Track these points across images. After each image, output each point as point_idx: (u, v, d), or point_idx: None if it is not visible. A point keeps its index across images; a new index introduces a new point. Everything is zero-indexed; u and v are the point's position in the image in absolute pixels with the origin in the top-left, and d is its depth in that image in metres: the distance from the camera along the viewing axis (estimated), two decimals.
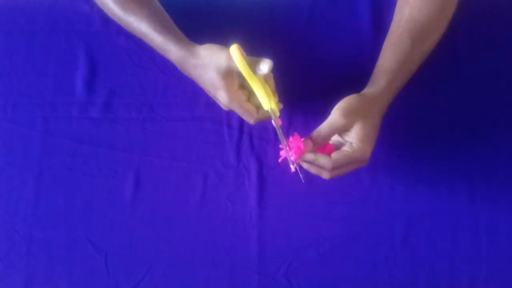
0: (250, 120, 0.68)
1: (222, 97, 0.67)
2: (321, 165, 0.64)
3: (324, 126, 0.63)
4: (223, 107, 0.69)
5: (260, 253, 0.74)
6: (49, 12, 0.82)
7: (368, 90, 0.68)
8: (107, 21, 0.79)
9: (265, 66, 0.64)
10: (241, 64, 0.64)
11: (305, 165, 0.66)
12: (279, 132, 0.67)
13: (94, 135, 0.78)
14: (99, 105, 0.79)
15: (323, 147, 0.66)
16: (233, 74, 0.67)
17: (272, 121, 0.68)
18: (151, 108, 0.79)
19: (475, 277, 0.73)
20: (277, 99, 0.69)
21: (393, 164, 0.75)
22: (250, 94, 0.69)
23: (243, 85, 0.69)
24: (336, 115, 0.63)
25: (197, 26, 0.75)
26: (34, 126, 0.78)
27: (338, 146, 0.66)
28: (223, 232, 0.75)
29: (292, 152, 0.64)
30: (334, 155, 0.63)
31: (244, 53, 0.66)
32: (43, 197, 0.76)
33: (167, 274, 0.74)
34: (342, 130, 0.64)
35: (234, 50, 0.64)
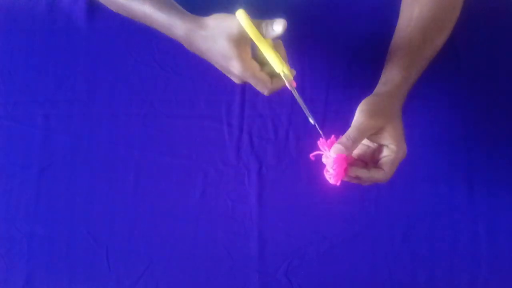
0: (265, 90, 0.66)
1: (235, 67, 0.64)
2: (376, 180, 0.62)
3: (353, 130, 0.60)
4: (236, 80, 0.67)
5: (260, 252, 0.74)
6: (49, 9, 0.81)
7: (384, 88, 0.66)
8: (107, 19, 0.78)
9: (279, 26, 0.61)
10: (249, 28, 0.61)
11: (354, 181, 0.63)
12: (296, 95, 0.65)
13: (95, 132, 0.78)
14: (99, 102, 0.79)
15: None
16: (246, 42, 0.64)
17: (287, 85, 0.65)
18: (152, 105, 0.78)
19: (475, 277, 0.73)
20: (288, 66, 0.66)
21: None
22: (261, 64, 0.66)
23: (254, 56, 0.66)
24: (362, 117, 0.61)
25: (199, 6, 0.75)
26: (35, 123, 0.78)
27: (367, 151, 0.65)
28: (223, 230, 0.75)
29: (334, 172, 0.60)
30: (386, 167, 0.62)
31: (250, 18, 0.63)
32: (44, 194, 0.77)
33: (167, 271, 0.74)
34: (371, 132, 0.61)
35: (241, 15, 0.61)
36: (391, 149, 0.62)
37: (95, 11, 0.80)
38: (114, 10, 0.74)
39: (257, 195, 0.75)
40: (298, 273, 0.73)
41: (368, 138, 0.63)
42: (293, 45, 0.69)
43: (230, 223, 0.75)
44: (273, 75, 0.66)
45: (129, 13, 0.71)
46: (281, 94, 0.72)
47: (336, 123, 0.62)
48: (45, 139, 0.78)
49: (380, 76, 0.69)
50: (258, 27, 0.62)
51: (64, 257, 0.75)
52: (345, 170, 0.60)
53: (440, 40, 0.70)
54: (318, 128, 0.63)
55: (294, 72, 0.66)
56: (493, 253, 0.73)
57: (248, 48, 0.65)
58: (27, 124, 0.78)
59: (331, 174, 0.60)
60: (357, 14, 0.80)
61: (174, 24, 0.66)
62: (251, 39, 0.62)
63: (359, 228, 0.74)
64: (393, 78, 0.67)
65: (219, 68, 0.67)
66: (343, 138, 0.60)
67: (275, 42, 0.65)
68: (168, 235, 0.75)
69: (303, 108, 0.65)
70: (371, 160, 0.65)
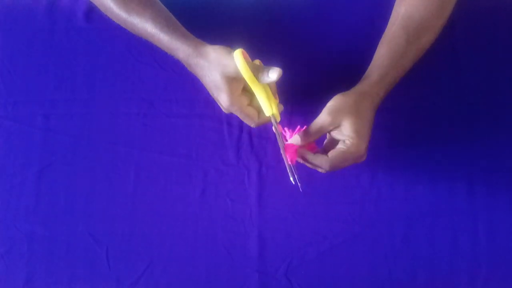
0: (251, 124, 0.69)
1: (223, 101, 0.67)
2: (319, 165, 0.65)
3: (311, 125, 0.65)
4: (224, 110, 0.69)
5: (260, 252, 0.74)
6: (49, 9, 0.81)
7: (359, 85, 0.68)
8: (107, 19, 0.78)
9: (274, 74, 0.64)
10: (244, 70, 0.63)
11: (300, 160, 0.67)
12: (279, 138, 0.68)
13: (95, 131, 0.78)
14: (100, 102, 0.79)
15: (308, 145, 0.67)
16: (238, 81, 0.66)
17: (273, 127, 0.68)
18: (152, 104, 0.78)
19: (475, 277, 0.73)
20: (277, 100, 0.69)
21: (393, 164, 0.75)
22: (252, 97, 0.69)
23: (245, 88, 0.69)
24: (323, 114, 0.65)
25: (200, 25, 0.75)
26: (35, 123, 0.78)
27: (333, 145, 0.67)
28: (223, 230, 0.75)
29: (288, 155, 0.66)
30: (331, 153, 0.64)
31: (248, 57, 0.65)
32: (44, 193, 0.77)
33: (167, 270, 0.74)
34: (329, 128, 0.65)
35: (238, 56, 0.63)
36: (344, 143, 0.64)
37: (95, 11, 0.80)
38: (116, 22, 0.74)
39: (257, 195, 0.75)
40: (298, 273, 0.73)
41: (329, 134, 0.67)
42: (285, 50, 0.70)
43: (230, 223, 0.75)
44: (261, 109, 0.69)
45: (130, 28, 0.72)
46: (281, 94, 0.72)
47: None
48: (45, 139, 0.78)
49: None
50: (254, 71, 0.64)
51: (64, 257, 0.75)
52: (296, 151, 0.66)
53: (425, 39, 0.70)
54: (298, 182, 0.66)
55: (282, 108, 0.70)
56: (493, 253, 0.73)
57: (240, 85, 0.67)
58: (27, 124, 0.78)
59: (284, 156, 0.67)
60: (351, 19, 0.81)
61: (176, 47, 0.69)
62: (244, 79, 0.65)
63: (359, 228, 0.74)
64: (369, 75, 0.68)
65: (211, 95, 0.70)
66: (301, 131, 0.66)
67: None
68: (168, 235, 0.75)
69: (282, 155, 0.67)
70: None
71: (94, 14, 0.80)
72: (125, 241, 0.75)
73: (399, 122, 0.76)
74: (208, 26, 0.78)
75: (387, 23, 0.73)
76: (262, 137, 0.77)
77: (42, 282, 0.74)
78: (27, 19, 0.81)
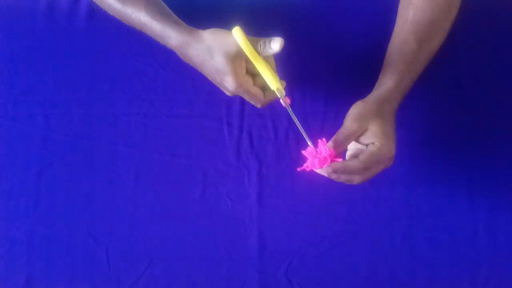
0: (258, 104, 0.67)
1: (229, 83, 0.65)
2: (352, 170, 0.62)
3: (339, 134, 0.63)
4: (228, 93, 0.67)
5: (260, 252, 0.74)
6: (49, 9, 0.81)
7: (376, 92, 0.67)
8: (107, 18, 0.78)
9: (276, 44, 0.62)
10: (245, 45, 0.62)
11: (333, 176, 0.64)
12: (290, 110, 0.66)
13: (95, 131, 0.78)
14: (99, 102, 0.79)
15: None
16: (241, 58, 0.65)
17: (281, 101, 0.66)
18: (152, 104, 0.78)
19: (475, 277, 0.73)
20: (278, 78, 0.67)
21: (393, 164, 0.74)
22: (254, 77, 0.67)
23: (247, 69, 0.67)
24: (347, 121, 0.64)
25: (197, 16, 0.75)
26: (35, 123, 0.78)
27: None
28: (223, 230, 0.75)
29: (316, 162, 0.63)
30: (362, 156, 0.62)
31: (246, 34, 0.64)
32: (44, 193, 0.77)
33: (167, 271, 0.74)
34: (357, 134, 0.63)
35: (238, 32, 0.62)
36: (375, 145, 0.63)
37: (95, 11, 0.80)
38: (111, 14, 0.73)
39: (257, 194, 0.75)
40: (298, 273, 0.74)
41: (356, 141, 0.65)
42: (291, 52, 0.69)
43: (230, 223, 0.75)
44: (265, 88, 0.67)
45: (124, 19, 0.72)
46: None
47: (335, 129, 0.63)
48: (45, 139, 0.78)
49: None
50: (255, 45, 0.63)
51: (64, 257, 0.75)
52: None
53: (435, 42, 0.70)
54: (310, 143, 0.65)
55: (284, 83, 0.68)
56: (493, 253, 0.73)
57: (243, 64, 0.66)
58: (27, 124, 0.78)
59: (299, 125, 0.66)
60: (355, 20, 0.80)
61: (168, 35, 0.67)
62: (246, 56, 0.64)
63: (359, 228, 0.74)
64: (385, 82, 0.67)
65: (212, 81, 0.68)
66: (330, 142, 0.63)
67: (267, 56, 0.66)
68: (168, 235, 0.75)
69: (297, 125, 0.66)
70: None
71: (94, 14, 0.80)
72: (125, 241, 0.75)
73: (399, 122, 0.75)
74: (205, 17, 0.78)
75: (390, 19, 0.73)
76: (262, 137, 0.77)
77: (42, 282, 0.75)
78: (27, 19, 0.81)
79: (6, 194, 0.77)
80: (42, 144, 0.78)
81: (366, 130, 0.63)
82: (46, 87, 0.79)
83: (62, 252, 0.75)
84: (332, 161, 0.63)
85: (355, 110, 0.64)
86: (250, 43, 0.63)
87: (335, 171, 0.62)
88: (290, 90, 0.72)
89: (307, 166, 0.64)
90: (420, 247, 0.74)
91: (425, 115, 0.77)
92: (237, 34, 0.62)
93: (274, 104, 0.77)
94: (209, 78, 0.68)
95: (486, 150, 0.76)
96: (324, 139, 0.64)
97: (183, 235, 0.75)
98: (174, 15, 0.70)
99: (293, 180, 0.75)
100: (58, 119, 0.78)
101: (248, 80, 0.66)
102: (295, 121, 0.66)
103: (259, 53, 0.64)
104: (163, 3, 0.71)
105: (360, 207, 0.75)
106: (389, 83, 0.67)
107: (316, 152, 0.64)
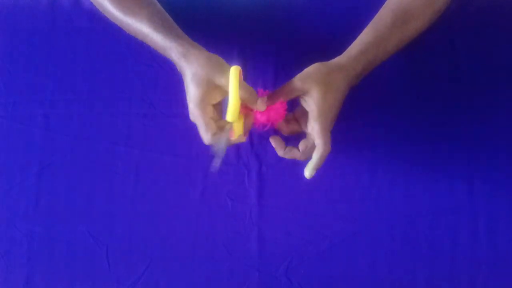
0: (205, 136, 0.64)
1: (193, 96, 0.63)
2: (321, 157, 0.65)
3: (281, 87, 0.65)
4: (189, 109, 0.65)
5: (260, 251, 0.74)
6: (49, 9, 0.81)
7: (337, 58, 0.67)
8: (107, 18, 0.78)
9: (263, 105, 0.64)
10: (234, 89, 0.60)
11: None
12: (225, 145, 0.64)
13: (95, 131, 0.78)
14: (99, 102, 0.79)
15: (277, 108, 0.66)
16: (218, 91, 0.64)
17: (224, 131, 0.64)
18: (152, 104, 0.78)
19: (475, 277, 0.73)
20: (245, 138, 0.67)
21: (393, 163, 0.75)
22: (217, 121, 0.65)
23: (216, 108, 0.66)
24: (294, 78, 0.65)
25: (198, 24, 0.75)
26: (35, 123, 0.78)
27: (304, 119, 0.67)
28: (223, 229, 0.75)
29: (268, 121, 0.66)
30: (318, 139, 0.64)
31: (242, 76, 0.63)
32: (44, 193, 0.77)
33: (167, 270, 0.74)
34: (297, 93, 0.64)
35: (234, 72, 0.61)
36: (314, 117, 0.64)
37: (95, 11, 0.79)
38: (114, 22, 0.73)
39: (257, 194, 0.75)
40: (298, 272, 0.74)
41: (299, 100, 0.67)
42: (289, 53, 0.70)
43: (230, 222, 0.75)
44: (220, 129, 0.65)
45: (126, 28, 0.72)
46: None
47: None
48: (45, 139, 0.78)
49: None
50: (244, 92, 0.62)
51: (64, 257, 0.75)
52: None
53: (412, 26, 0.69)
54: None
55: (244, 140, 0.67)
56: (493, 253, 0.73)
57: (216, 97, 0.65)
58: (27, 124, 0.78)
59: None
60: (345, 16, 0.80)
61: (169, 46, 0.67)
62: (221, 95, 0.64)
63: (359, 227, 0.74)
64: (350, 50, 0.68)
65: (186, 92, 0.66)
66: (271, 94, 0.66)
67: (249, 113, 0.66)
68: (168, 235, 0.75)
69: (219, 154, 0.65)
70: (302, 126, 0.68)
71: (94, 14, 0.80)
72: (125, 241, 0.75)
73: (399, 121, 0.76)
74: (206, 26, 0.79)
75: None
76: (262, 137, 0.77)
77: (42, 282, 0.75)
78: (27, 19, 0.81)
79: (6, 194, 0.77)
80: (42, 144, 0.78)
81: (307, 92, 0.64)
82: (46, 87, 0.79)
83: (62, 252, 0.75)
84: (275, 110, 0.66)
85: (306, 70, 0.65)
86: (240, 88, 0.61)
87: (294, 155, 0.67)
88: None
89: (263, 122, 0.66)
90: (420, 247, 0.74)
91: (425, 114, 0.77)
92: (233, 74, 0.61)
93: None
94: (185, 88, 0.66)
95: (486, 150, 0.76)
96: (264, 90, 0.66)
97: (183, 235, 0.75)
98: (177, 27, 0.70)
99: (293, 179, 0.75)
100: (58, 119, 0.78)
101: (209, 110, 0.64)
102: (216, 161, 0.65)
103: (241, 98, 0.62)
104: (167, 14, 0.71)
105: (360, 206, 0.75)
106: (352, 52, 0.67)
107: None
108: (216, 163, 0.64)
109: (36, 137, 0.78)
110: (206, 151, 0.76)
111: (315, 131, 0.64)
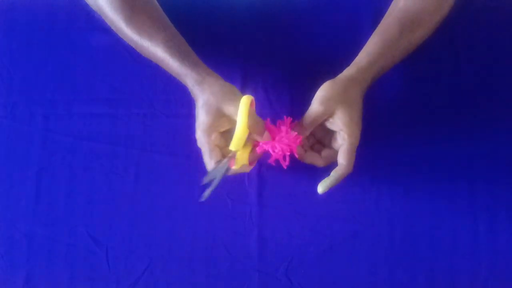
0: (209, 163, 0.65)
1: (201, 122, 0.65)
2: (341, 175, 0.65)
3: (305, 117, 0.65)
4: (196, 135, 0.67)
5: (260, 251, 0.74)
6: (49, 9, 0.82)
7: (347, 71, 0.67)
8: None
9: (268, 138, 0.65)
10: (242, 118, 0.61)
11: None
12: (221, 174, 0.64)
13: (95, 131, 0.78)
14: (99, 102, 0.79)
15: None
16: (227, 120, 0.65)
17: (224, 161, 0.64)
18: (151, 104, 0.78)
19: (475, 277, 0.73)
20: (249, 168, 0.68)
21: (393, 164, 0.75)
22: (223, 150, 0.66)
23: (225, 137, 0.67)
24: (314, 104, 0.65)
25: (198, 24, 0.75)
26: (35, 123, 0.78)
27: (328, 137, 0.68)
28: (223, 229, 0.75)
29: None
30: (343, 159, 0.64)
31: (253, 107, 0.64)
32: (43, 194, 0.77)
33: (167, 271, 0.74)
34: (323, 118, 0.65)
35: (245, 101, 0.62)
36: (342, 136, 0.64)
37: (95, 11, 0.80)
38: (128, 43, 0.73)
39: (257, 194, 0.75)
40: (298, 272, 0.73)
41: (322, 125, 0.66)
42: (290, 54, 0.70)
43: (230, 223, 0.75)
44: (224, 155, 0.66)
45: (140, 50, 0.71)
46: (281, 93, 0.72)
47: None
48: (45, 139, 0.78)
49: None
50: (253, 123, 0.62)
51: (64, 257, 0.75)
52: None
53: (418, 34, 0.70)
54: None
55: (248, 170, 0.69)
56: (493, 253, 0.73)
57: (224, 126, 0.66)
58: (27, 124, 0.78)
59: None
60: (346, 18, 0.81)
61: (185, 73, 0.67)
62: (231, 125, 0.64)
63: (359, 228, 0.74)
64: (359, 61, 0.67)
65: (196, 118, 0.67)
66: (296, 125, 0.66)
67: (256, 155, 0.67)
68: (168, 235, 0.75)
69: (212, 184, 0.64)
70: (326, 144, 0.69)
71: (94, 14, 0.80)
72: (125, 241, 0.75)
73: (399, 121, 0.76)
74: (207, 26, 0.79)
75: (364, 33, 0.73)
76: None
77: (42, 282, 0.74)
78: (27, 19, 0.81)
79: (5, 194, 0.77)
80: (42, 144, 0.78)
81: (332, 114, 0.64)
82: (46, 87, 0.79)
83: (62, 252, 0.75)
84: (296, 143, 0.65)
85: (322, 93, 0.65)
86: (249, 117, 0.62)
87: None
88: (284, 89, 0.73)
89: (275, 150, 0.65)
90: (420, 247, 0.74)
91: (425, 114, 0.77)
92: (244, 103, 0.62)
93: (274, 104, 0.77)
94: (195, 114, 0.68)
95: (486, 150, 0.76)
96: (288, 118, 0.66)
97: (183, 235, 0.75)
98: (193, 53, 0.70)
99: (293, 179, 0.75)
100: (58, 119, 0.78)
101: (217, 138, 0.65)
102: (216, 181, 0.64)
103: (249, 128, 0.63)
104: (182, 38, 0.71)
105: (361, 206, 0.75)
106: (361, 63, 0.67)
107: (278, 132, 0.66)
108: (207, 192, 0.63)
109: (36, 138, 0.78)
110: None
111: (343, 151, 0.64)
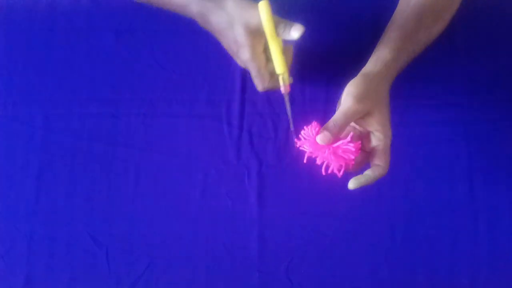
0: (260, 86, 0.66)
1: (245, 55, 0.63)
2: (379, 176, 0.61)
3: (339, 115, 0.58)
4: (240, 63, 0.66)
5: (260, 251, 0.74)
6: (49, 9, 0.82)
7: (374, 67, 0.64)
8: (107, 18, 0.79)
9: (296, 32, 0.60)
10: (267, 22, 0.59)
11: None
12: (287, 99, 0.64)
13: (95, 131, 0.78)
14: (100, 101, 0.79)
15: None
16: (261, 34, 0.62)
17: (282, 88, 0.64)
18: (152, 104, 0.78)
19: (475, 277, 0.73)
20: (289, 73, 0.66)
21: (394, 163, 0.74)
22: (267, 61, 0.66)
23: (265, 48, 0.66)
24: (349, 101, 0.58)
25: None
26: (35, 123, 0.78)
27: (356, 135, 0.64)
28: (223, 229, 0.75)
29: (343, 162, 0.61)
30: (380, 160, 0.61)
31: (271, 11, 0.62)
32: (43, 194, 0.77)
33: (167, 270, 0.74)
34: (358, 116, 0.59)
35: (263, 7, 0.59)
36: (378, 137, 0.61)
37: (95, 11, 0.80)
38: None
39: (257, 194, 0.75)
40: (298, 272, 0.73)
41: (354, 122, 0.62)
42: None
43: (230, 222, 0.75)
44: (272, 74, 0.66)
45: None
46: (281, 93, 0.72)
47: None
48: (45, 139, 0.78)
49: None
50: (277, 25, 0.61)
51: (64, 257, 0.75)
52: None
53: (435, 29, 0.69)
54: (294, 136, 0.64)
55: (292, 81, 0.66)
56: (493, 253, 0.73)
57: (262, 41, 0.64)
58: (27, 124, 0.78)
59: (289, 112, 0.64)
60: (356, 11, 0.80)
61: (189, 2, 0.64)
62: (265, 35, 0.62)
63: (360, 227, 0.74)
64: (384, 57, 0.64)
65: (227, 49, 0.66)
66: (330, 123, 0.58)
67: (286, 46, 0.65)
68: (168, 235, 0.75)
69: (288, 115, 0.65)
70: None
71: (94, 14, 0.80)
72: (125, 241, 0.75)
73: (399, 121, 0.76)
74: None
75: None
76: (262, 137, 0.77)
77: (42, 282, 0.74)
78: (27, 19, 0.81)
79: (6, 194, 0.77)
80: (42, 144, 0.78)
81: (368, 113, 0.60)
82: (46, 87, 0.79)
83: (62, 252, 0.75)
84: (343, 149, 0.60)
85: (356, 89, 0.59)
86: (272, 21, 0.60)
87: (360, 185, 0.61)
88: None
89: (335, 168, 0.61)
90: (420, 247, 0.74)
91: (424, 114, 0.77)
92: (263, 9, 0.59)
93: (274, 104, 0.77)
94: (225, 46, 0.66)
95: (486, 150, 0.76)
96: (317, 124, 0.60)
97: (183, 235, 0.75)
98: None
99: (293, 179, 0.75)
100: (58, 119, 0.78)
101: (262, 59, 0.64)
102: (287, 110, 0.65)
103: (278, 34, 0.61)
104: None
105: (361, 206, 0.75)
106: (388, 58, 0.64)
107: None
108: (291, 124, 0.65)
109: (36, 138, 0.78)
110: (206, 151, 0.77)
111: (379, 151, 0.61)
